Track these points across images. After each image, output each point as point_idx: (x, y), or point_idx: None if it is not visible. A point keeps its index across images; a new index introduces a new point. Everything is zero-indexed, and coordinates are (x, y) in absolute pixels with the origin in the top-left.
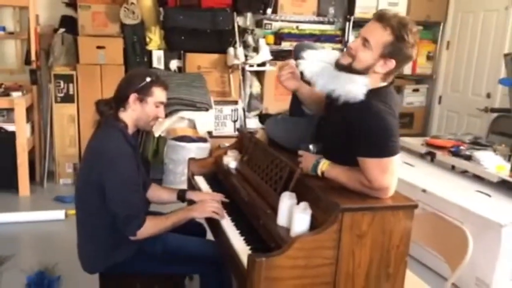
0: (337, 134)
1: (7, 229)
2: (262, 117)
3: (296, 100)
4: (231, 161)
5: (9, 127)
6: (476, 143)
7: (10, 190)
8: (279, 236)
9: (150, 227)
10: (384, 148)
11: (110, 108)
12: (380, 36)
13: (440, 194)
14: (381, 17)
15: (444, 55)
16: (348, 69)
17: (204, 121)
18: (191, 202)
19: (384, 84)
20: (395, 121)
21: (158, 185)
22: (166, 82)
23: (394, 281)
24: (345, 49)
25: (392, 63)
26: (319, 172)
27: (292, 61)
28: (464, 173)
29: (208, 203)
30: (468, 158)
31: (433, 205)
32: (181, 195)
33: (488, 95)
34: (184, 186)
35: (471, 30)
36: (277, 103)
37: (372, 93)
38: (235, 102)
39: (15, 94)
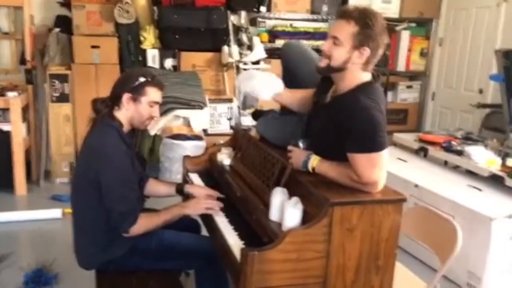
0: (325, 130)
1: (4, 228)
2: (255, 114)
3: None
4: (225, 158)
5: (5, 127)
6: (468, 139)
7: (6, 189)
8: (271, 230)
9: (143, 224)
10: (372, 143)
11: (106, 107)
12: (346, 30)
13: (432, 189)
14: (343, 13)
15: (437, 52)
16: (327, 70)
17: (199, 119)
18: (189, 196)
19: (367, 73)
20: (382, 116)
21: (156, 179)
22: (162, 82)
23: (384, 273)
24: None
25: (366, 51)
26: (309, 168)
27: None
28: (456, 168)
29: (202, 200)
30: (460, 153)
31: (426, 200)
32: (179, 189)
33: (481, 91)
34: None
35: (464, 26)
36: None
37: (359, 89)
38: (230, 100)
39: (11, 94)
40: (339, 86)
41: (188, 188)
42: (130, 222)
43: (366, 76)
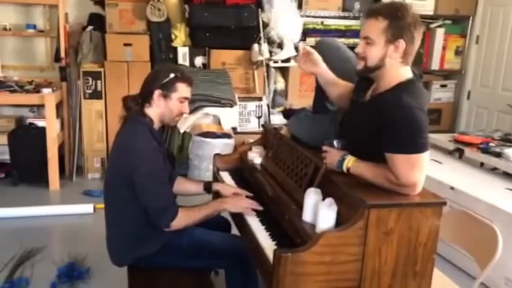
0: (363, 129)
1: (38, 222)
2: (286, 113)
3: (319, 97)
4: (256, 157)
5: (40, 123)
6: (506, 140)
7: (40, 184)
8: (304, 232)
9: (183, 218)
10: (414, 144)
11: (136, 104)
12: (375, 27)
13: (469, 192)
14: (370, 12)
15: (473, 50)
16: (366, 71)
17: (229, 117)
18: (217, 194)
19: (406, 68)
20: (425, 117)
21: (184, 177)
22: (191, 78)
23: (421, 279)
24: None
25: (401, 43)
26: (344, 169)
27: (309, 48)
28: (493, 170)
29: (244, 199)
30: (498, 155)
31: (462, 203)
32: (207, 187)
33: None
34: None
35: (502, 24)
36: (301, 99)
37: (401, 88)
38: (260, 99)
39: (46, 91)
40: (380, 84)
41: (215, 186)
42: (169, 216)
43: (407, 73)
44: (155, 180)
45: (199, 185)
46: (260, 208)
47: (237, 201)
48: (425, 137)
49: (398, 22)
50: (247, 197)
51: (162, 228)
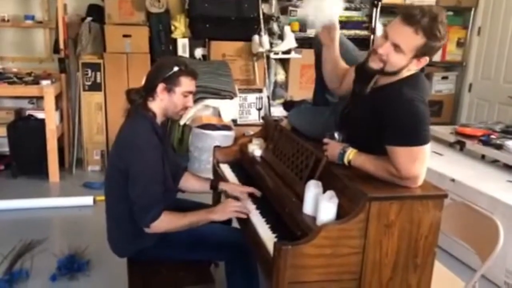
0: (364, 122)
1: (38, 214)
2: (287, 105)
3: (320, 89)
4: (256, 149)
5: (39, 115)
6: (507, 132)
7: (40, 176)
8: (305, 224)
9: (165, 222)
10: (415, 136)
11: (140, 97)
12: (412, 41)
13: (470, 184)
14: (410, 19)
15: (475, 41)
16: (379, 73)
17: (229, 109)
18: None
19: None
20: (426, 109)
21: (191, 173)
22: (195, 71)
23: (422, 271)
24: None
25: (426, 60)
26: (345, 161)
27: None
28: (494, 162)
29: (230, 204)
30: (499, 147)
31: (462, 195)
32: (214, 185)
33: None
34: (209, 173)
35: (504, 15)
36: (301, 91)
37: (403, 80)
38: (260, 90)
39: (45, 82)
40: (382, 78)
41: (222, 186)
42: (151, 216)
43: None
44: (146, 177)
45: (206, 183)
46: (250, 210)
47: (225, 208)
48: (426, 129)
49: (434, 43)
50: (255, 197)
51: (142, 227)
